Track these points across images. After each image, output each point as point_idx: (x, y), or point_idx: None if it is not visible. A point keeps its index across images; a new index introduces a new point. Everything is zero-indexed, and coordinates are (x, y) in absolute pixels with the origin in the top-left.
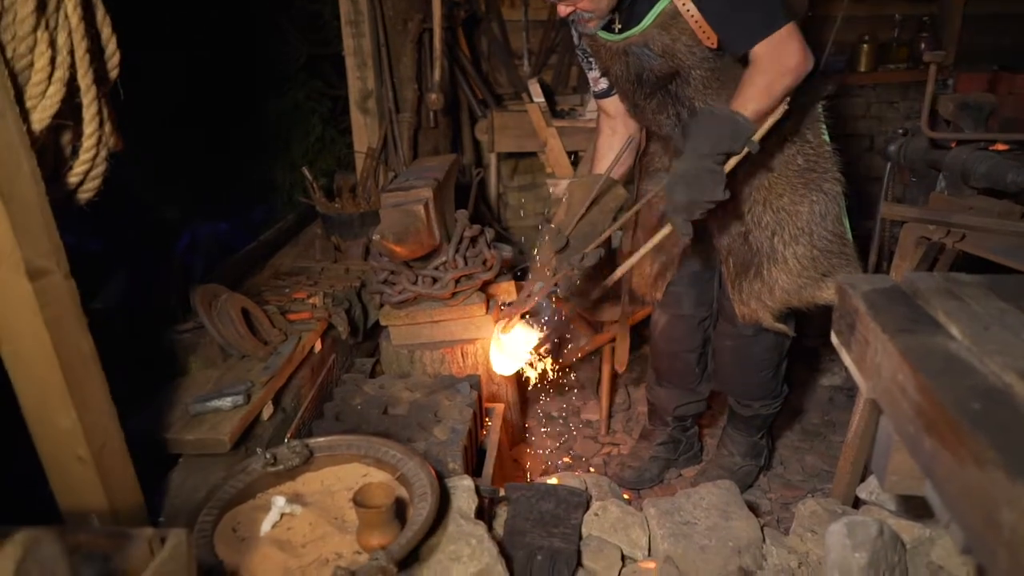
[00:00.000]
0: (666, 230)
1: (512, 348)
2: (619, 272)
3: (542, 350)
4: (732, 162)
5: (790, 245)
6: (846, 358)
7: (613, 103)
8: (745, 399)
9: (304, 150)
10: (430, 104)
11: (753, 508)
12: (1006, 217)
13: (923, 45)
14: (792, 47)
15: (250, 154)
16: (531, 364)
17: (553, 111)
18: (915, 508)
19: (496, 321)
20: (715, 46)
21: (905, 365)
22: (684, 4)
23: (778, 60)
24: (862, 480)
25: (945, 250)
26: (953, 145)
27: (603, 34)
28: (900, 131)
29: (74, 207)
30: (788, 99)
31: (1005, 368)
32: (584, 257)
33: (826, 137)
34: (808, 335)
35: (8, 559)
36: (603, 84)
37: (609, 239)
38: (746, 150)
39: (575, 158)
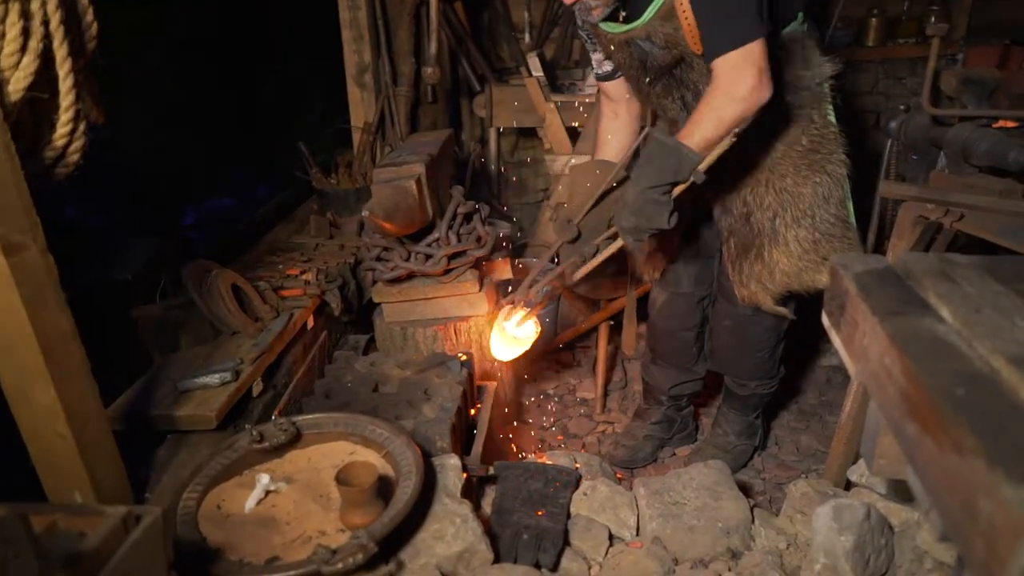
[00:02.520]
0: (619, 243)
1: (513, 335)
2: (582, 272)
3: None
4: (678, 190)
5: (792, 227)
6: (836, 340)
7: (616, 86)
8: (741, 379)
9: (305, 125)
10: (427, 78)
11: (746, 488)
12: (1007, 197)
13: (932, 19)
14: (748, 73)
15: (252, 128)
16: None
17: (553, 85)
18: (905, 492)
19: (498, 307)
20: (699, 51)
21: (892, 348)
22: (680, 4)
23: (731, 85)
24: (855, 462)
25: (943, 230)
26: (956, 122)
27: (605, 25)
28: (901, 107)
29: (78, 180)
30: (736, 130)
31: (993, 352)
32: (598, 249)
33: (832, 118)
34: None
35: None
36: (607, 67)
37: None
38: (691, 179)
39: (576, 134)
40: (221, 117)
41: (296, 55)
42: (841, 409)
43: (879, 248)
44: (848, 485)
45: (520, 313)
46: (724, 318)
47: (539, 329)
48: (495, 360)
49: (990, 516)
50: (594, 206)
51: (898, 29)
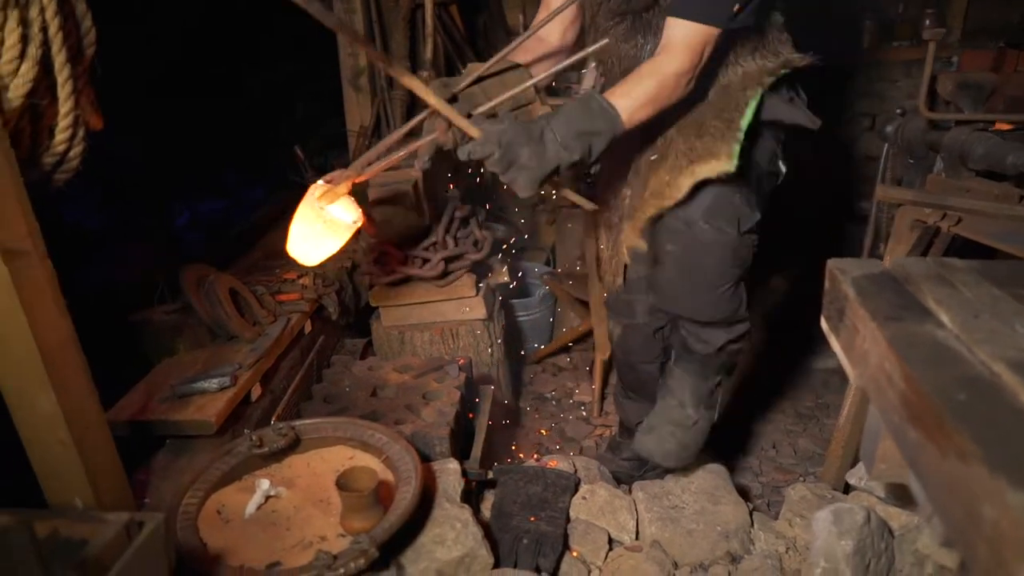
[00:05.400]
0: (471, 129)
1: (329, 217)
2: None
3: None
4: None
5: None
6: (835, 345)
7: (569, 10)
8: (698, 319)
9: (295, 127)
10: (424, 81)
11: (744, 492)
12: (1004, 200)
13: (927, 22)
14: (690, 54)
15: (244, 131)
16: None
17: (549, 88)
18: (904, 495)
19: (320, 183)
20: None
21: (891, 354)
22: None
23: (676, 58)
24: (853, 465)
25: (940, 234)
26: (952, 125)
27: None
28: (898, 111)
29: (76, 184)
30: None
31: (994, 357)
32: (471, 116)
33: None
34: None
35: None
36: None
37: (589, 167)
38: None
39: None
40: (211, 118)
41: (284, 57)
42: (838, 412)
43: (875, 252)
44: (847, 488)
45: (343, 197)
46: (666, 243)
47: (359, 216)
48: (296, 260)
49: (995, 522)
50: (479, 80)
51: (893, 32)
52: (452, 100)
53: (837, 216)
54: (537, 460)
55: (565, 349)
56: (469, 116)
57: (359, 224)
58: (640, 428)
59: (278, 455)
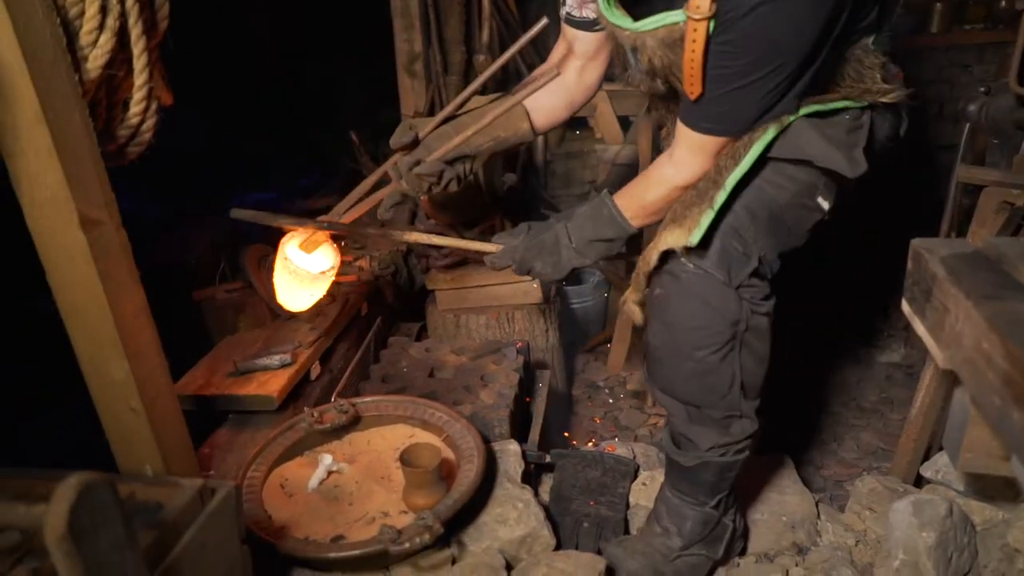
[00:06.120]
0: (488, 246)
1: (302, 267)
2: (439, 240)
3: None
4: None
5: None
6: (919, 327)
7: (587, 40)
8: (675, 396)
9: (348, 115)
10: (478, 67)
11: (805, 484)
12: None
13: (1002, 2)
14: (702, 163)
15: (296, 119)
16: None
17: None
18: (987, 489)
19: (297, 231)
20: (694, 97)
21: (992, 333)
22: (695, 32)
23: (685, 169)
24: (925, 458)
25: None
26: None
27: (608, 11)
28: (981, 89)
29: (129, 169)
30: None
31: None
32: (417, 164)
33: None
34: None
35: (62, 501)
36: (587, 11)
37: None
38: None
39: (627, 123)
40: (265, 109)
41: (337, 44)
42: (903, 407)
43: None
44: (918, 482)
45: (324, 244)
46: (655, 286)
47: (336, 259)
48: (284, 309)
49: None
50: (447, 120)
51: (965, 14)
52: (414, 144)
53: (901, 206)
54: (594, 446)
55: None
56: (417, 163)
57: (334, 270)
58: (622, 551)
59: (339, 432)
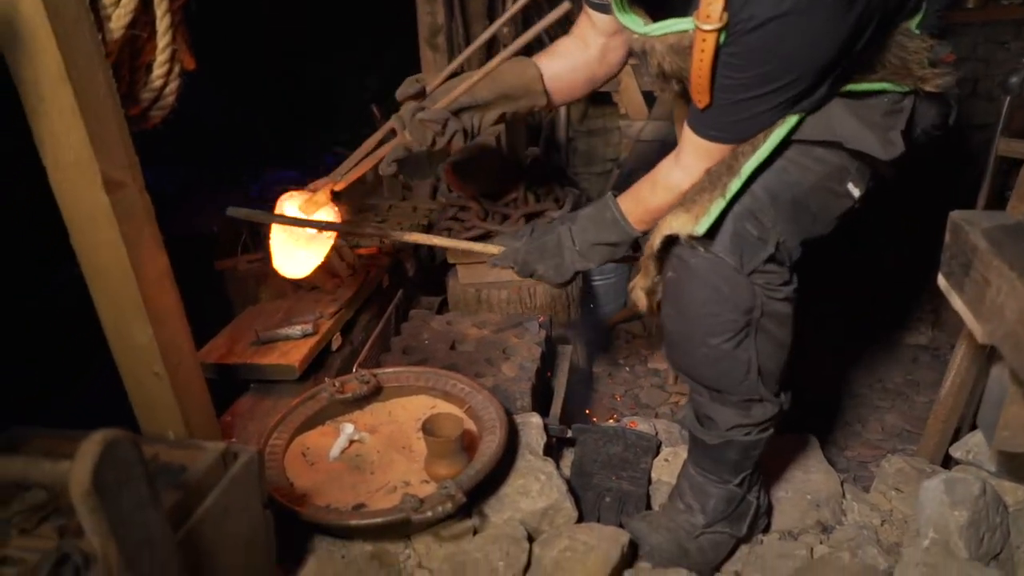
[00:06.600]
0: (490, 248)
1: (296, 240)
2: (439, 242)
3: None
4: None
5: None
6: (956, 302)
7: (608, 21)
8: (694, 378)
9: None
10: (502, 39)
11: (830, 464)
12: None
13: None
14: (700, 167)
15: (319, 96)
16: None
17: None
18: (1020, 469)
19: (304, 191)
20: (702, 106)
21: None
22: (703, 42)
23: (691, 175)
24: (953, 440)
25: None
26: None
27: (620, 11)
28: None
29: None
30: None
31: None
32: (421, 110)
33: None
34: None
35: (87, 457)
36: None
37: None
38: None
39: (652, 98)
40: (284, 87)
41: (358, 20)
42: (931, 389)
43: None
44: (947, 463)
45: (326, 205)
46: (668, 269)
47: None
48: (283, 276)
49: None
50: (455, 75)
51: None
52: (420, 95)
53: (935, 188)
54: (616, 421)
55: (639, 316)
56: (422, 110)
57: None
58: (642, 525)
59: (360, 402)
